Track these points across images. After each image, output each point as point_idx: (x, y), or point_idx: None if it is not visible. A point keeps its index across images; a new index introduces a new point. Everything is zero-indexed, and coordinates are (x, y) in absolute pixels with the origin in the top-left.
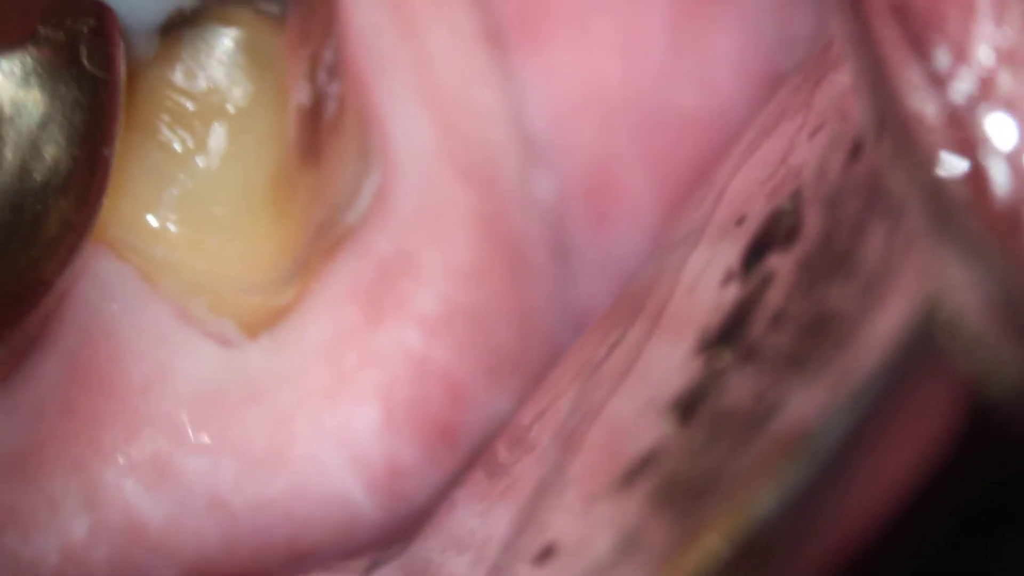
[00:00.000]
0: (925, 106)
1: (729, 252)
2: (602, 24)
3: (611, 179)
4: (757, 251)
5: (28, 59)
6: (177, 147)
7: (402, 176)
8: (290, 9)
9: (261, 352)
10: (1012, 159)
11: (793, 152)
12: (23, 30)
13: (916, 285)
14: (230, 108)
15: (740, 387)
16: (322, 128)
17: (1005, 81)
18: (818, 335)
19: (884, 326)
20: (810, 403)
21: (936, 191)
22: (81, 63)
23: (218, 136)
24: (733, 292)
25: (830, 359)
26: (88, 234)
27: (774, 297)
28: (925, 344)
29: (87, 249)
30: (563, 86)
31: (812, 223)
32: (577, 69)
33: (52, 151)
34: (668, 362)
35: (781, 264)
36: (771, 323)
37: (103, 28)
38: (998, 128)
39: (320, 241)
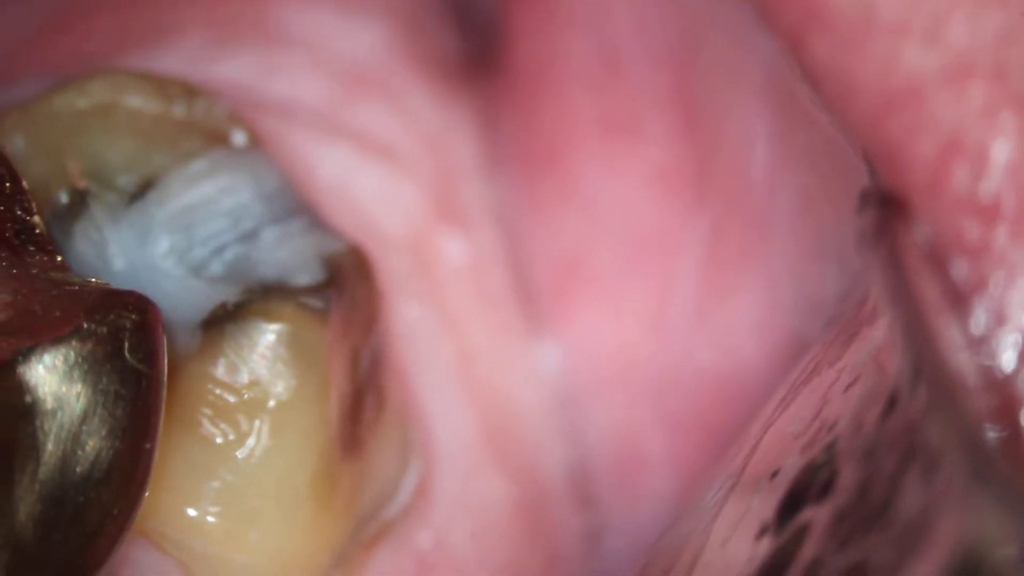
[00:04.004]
0: (963, 363)
1: (763, 505)
2: (632, 294)
3: (635, 451)
4: (791, 504)
5: (71, 352)
6: (218, 440)
7: (443, 468)
8: (333, 304)
9: None
10: None
11: (827, 406)
12: (67, 324)
13: (954, 537)
14: (272, 402)
15: None
16: (363, 421)
17: None
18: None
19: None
20: None
21: (974, 445)
22: (124, 357)
23: (259, 430)
24: (767, 545)
25: None
26: (129, 526)
27: (809, 549)
28: None
29: (127, 541)
30: (594, 364)
31: (847, 475)
32: (607, 343)
33: (94, 444)
34: None
35: (816, 516)
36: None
37: (146, 322)
38: None
39: (360, 534)
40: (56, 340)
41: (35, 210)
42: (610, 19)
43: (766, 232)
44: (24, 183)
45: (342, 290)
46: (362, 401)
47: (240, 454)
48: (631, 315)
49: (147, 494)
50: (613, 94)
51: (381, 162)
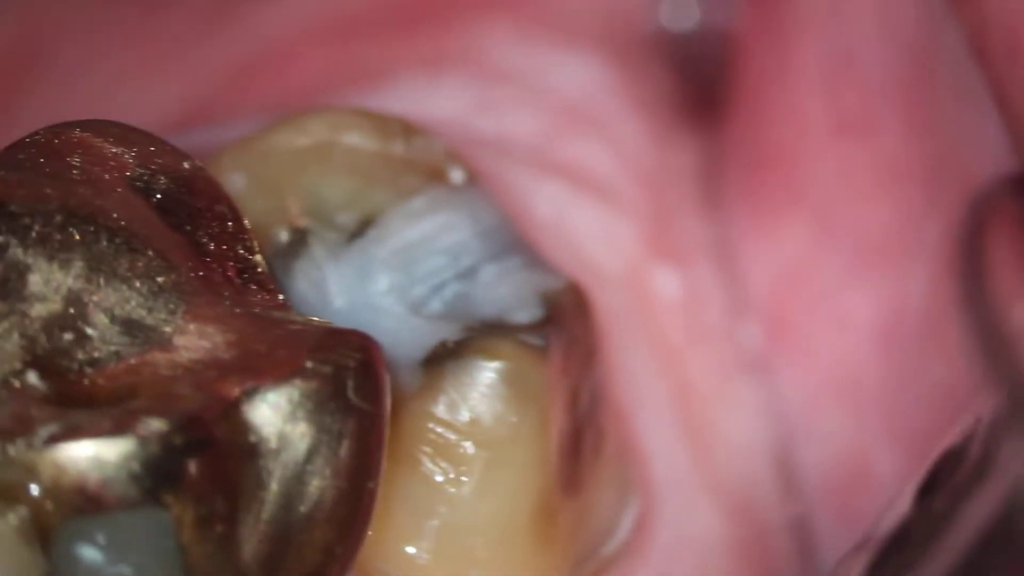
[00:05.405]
0: None
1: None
2: (860, 305)
3: (862, 473)
4: (927, 489)
5: (295, 392)
6: (438, 478)
7: (661, 506)
8: (552, 341)
9: None
10: None
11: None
12: (291, 364)
13: (1003, 475)
14: (492, 440)
15: None
16: (583, 459)
17: None
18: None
19: (974, 512)
20: None
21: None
22: (347, 396)
23: (479, 468)
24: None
25: (932, 552)
26: (351, 566)
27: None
28: (1009, 528)
29: None
30: (818, 382)
31: (972, 455)
32: (832, 360)
33: (317, 483)
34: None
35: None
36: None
37: (369, 361)
38: None
39: (579, 573)
40: (280, 380)
41: (257, 249)
42: (848, 22)
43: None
44: (246, 222)
45: (561, 327)
46: (581, 438)
47: (460, 492)
48: (858, 328)
49: (370, 534)
50: (846, 92)
51: (596, 198)
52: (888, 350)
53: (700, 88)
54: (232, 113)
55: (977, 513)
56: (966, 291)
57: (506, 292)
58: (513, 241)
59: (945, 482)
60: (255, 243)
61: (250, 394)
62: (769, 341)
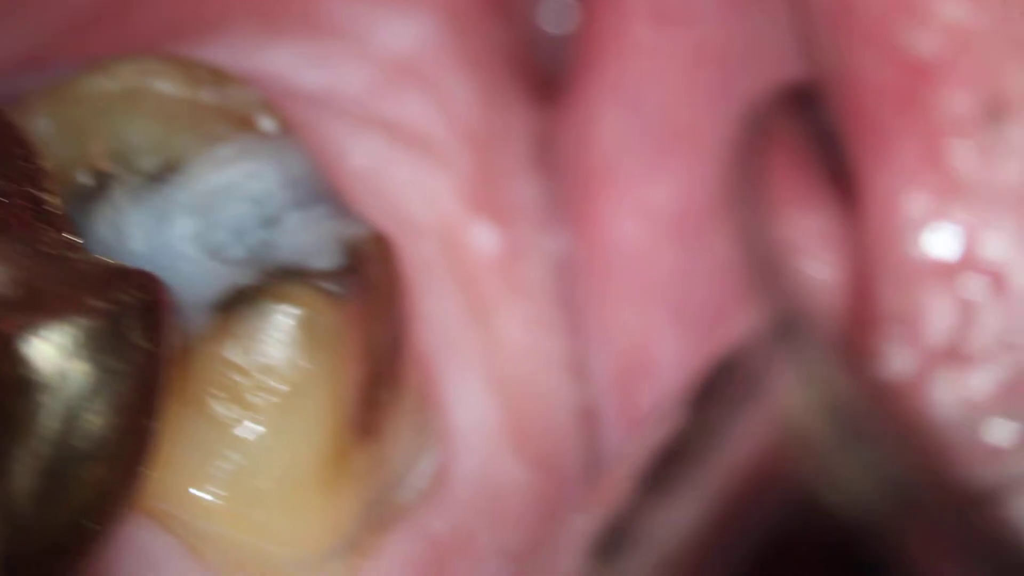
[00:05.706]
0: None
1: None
2: (658, 200)
3: (647, 367)
4: (700, 399)
5: (76, 329)
6: (228, 422)
7: (461, 456)
8: (351, 289)
9: None
10: None
11: None
12: (74, 302)
13: (771, 397)
14: (284, 385)
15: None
16: (379, 406)
17: None
18: (700, 460)
19: (741, 436)
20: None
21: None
22: (128, 335)
23: (271, 413)
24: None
25: (703, 467)
26: (127, 504)
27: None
28: (772, 449)
29: (131, 520)
30: (622, 290)
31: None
32: (633, 258)
33: (94, 421)
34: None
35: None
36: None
37: (152, 301)
38: None
39: (372, 518)
40: (61, 316)
41: (53, 190)
42: None
43: None
44: (44, 163)
45: (362, 276)
46: (379, 386)
47: (250, 436)
48: (656, 219)
49: (153, 474)
50: None
51: (416, 153)
52: (677, 238)
53: (540, 49)
54: (55, 65)
55: (748, 433)
56: (736, 200)
57: (309, 240)
58: (321, 191)
59: (719, 394)
60: (52, 184)
61: (30, 330)
62: (580, 250)
